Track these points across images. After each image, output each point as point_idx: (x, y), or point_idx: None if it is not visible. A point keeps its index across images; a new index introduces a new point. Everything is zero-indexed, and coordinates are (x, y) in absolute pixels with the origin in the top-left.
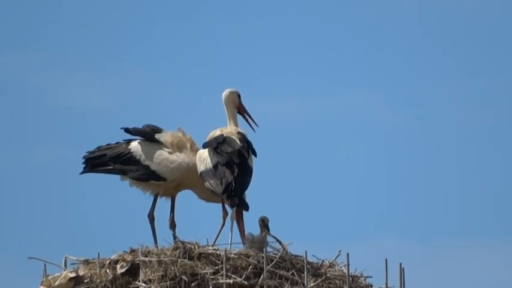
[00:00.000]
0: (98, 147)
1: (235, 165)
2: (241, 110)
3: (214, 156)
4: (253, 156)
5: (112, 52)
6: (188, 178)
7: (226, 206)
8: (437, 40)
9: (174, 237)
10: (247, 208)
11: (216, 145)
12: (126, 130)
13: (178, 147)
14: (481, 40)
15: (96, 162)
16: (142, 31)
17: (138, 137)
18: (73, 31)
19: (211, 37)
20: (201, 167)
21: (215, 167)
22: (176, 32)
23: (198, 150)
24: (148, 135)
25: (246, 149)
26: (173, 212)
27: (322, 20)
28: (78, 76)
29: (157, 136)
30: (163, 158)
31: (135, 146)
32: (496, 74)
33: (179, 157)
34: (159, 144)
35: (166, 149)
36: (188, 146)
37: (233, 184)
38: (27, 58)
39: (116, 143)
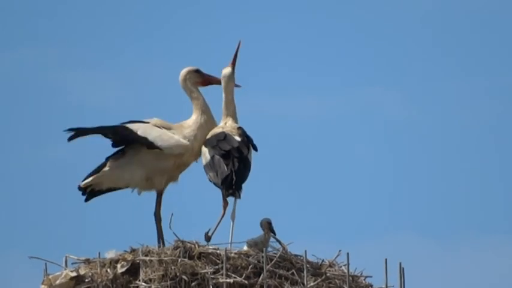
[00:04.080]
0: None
1: (235, 158)
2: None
3: (212, 149)
4: (253, 151)
5: (115, 51)
6: (190, 152)
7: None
8: (451, 38)
9: (159, 230)
10: (239, 196)
11: (216, 143)
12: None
13: (166, 129)
14: (495, 38)
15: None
16: (149, 28)
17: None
18: (74, 30)
19: (223, 32)
20: (203, 162)
21: (212, 158)
22: (181, 30)
23: (178, 125)
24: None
25: (246, 144)
26: (159, 205)
27: (336, 19)
28: (79, 74)
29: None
30: (164, 131)
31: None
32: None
33: (175, 134)
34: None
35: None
36: (170, 125)
37: (233, 177)
38: (29, 57)
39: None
